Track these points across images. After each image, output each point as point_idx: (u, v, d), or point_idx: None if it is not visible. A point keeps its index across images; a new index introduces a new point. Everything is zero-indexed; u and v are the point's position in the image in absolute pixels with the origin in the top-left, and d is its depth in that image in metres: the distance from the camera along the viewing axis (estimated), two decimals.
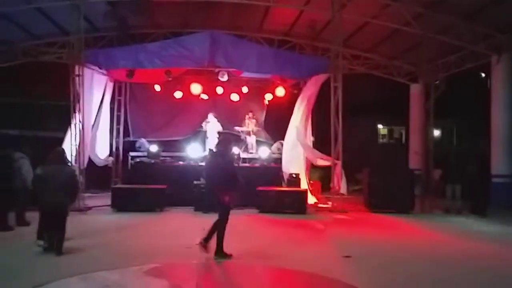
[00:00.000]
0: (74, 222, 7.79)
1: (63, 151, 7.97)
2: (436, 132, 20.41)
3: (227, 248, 6.91)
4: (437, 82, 14.28)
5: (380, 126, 24.43)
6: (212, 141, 15.11)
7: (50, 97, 18.03)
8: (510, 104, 13.76)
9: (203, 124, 15.49)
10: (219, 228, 6.84)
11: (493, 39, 13.67)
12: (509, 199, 13.25)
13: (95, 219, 11.16)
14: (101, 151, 15.58)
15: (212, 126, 15.26)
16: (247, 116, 16.05)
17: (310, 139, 15.50)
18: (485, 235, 9.62)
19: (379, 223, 11.21)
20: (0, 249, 7.62)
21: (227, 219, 6.93)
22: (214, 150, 7.40)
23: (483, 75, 17.91)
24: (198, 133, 16.12)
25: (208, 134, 15.24)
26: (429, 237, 9.52)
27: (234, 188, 7.08)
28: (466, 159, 12.92)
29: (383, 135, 24.89)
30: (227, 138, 7.73)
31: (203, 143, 15.34)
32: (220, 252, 6.83)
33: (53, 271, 6.19)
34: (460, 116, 20.73)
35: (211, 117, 15.43)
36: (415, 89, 17.57)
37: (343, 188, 13.81)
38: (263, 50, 14.62)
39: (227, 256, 6.86)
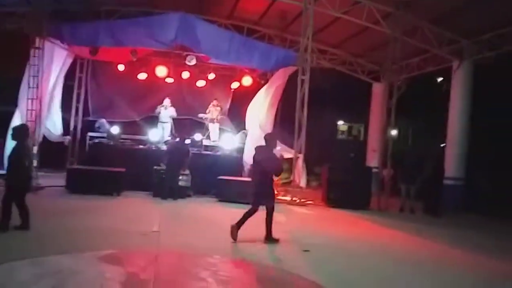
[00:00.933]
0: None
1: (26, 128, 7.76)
2: (393, 132, 20.83)
3: (184, 236, 7.12)
4: (398, 82, 14.59)
5: (340, 122, 24.74)
6: (167, 126, 14.79)
7: (6, 69, 17.13)
8: (467, 110, 14.22)
9: (158, 108, 14.92)
10: (267, 217, 7.60)
11: (456, 45, 14.06)
12: (459, 201, 13.83)
13: (47, 200, 10.68)
14: (54, 126, 14.86)
15: (166, 111, 14.82)
16: (211, 104, 15.88)
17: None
18: (433, 233, 9.94)
19: (337, 218, 11.40)
20: None
21: (273, 209, 7.64)
22: (265, 143, 7.86)
23: (439, 79, 18.40)
24: (155, 117, 15.58)
25: (162, 119, 14.85)
26: (382, 233, 9.76)
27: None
28: (421, 160, 13.29)
29: (342, 131, 25.22)
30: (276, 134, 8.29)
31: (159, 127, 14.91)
32: (270, 237, 7.54)
33: (1, 253, 5.92)
34: (417, 118, 21.26)
35: (167, 101, 14.89)
36: (377, 88, 17.91)
37: (303, 181, 13.95)
38: (233, 38, 14.15)
39: (275, 240, 7.54)
